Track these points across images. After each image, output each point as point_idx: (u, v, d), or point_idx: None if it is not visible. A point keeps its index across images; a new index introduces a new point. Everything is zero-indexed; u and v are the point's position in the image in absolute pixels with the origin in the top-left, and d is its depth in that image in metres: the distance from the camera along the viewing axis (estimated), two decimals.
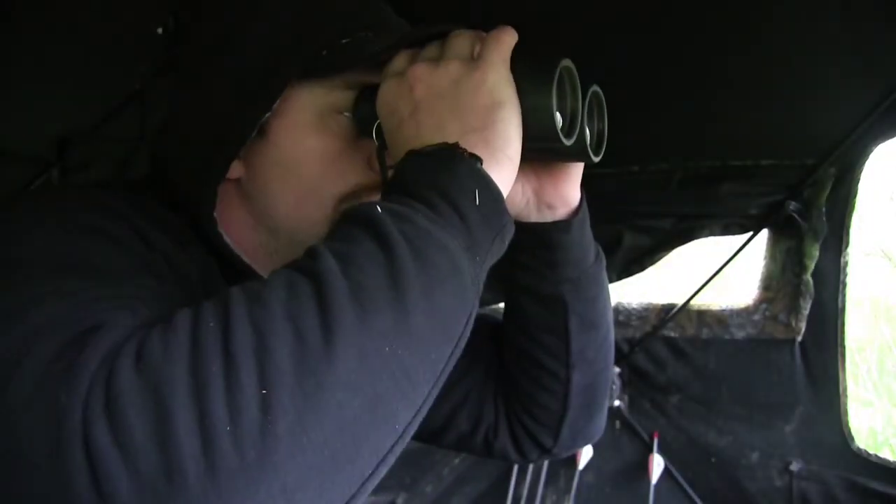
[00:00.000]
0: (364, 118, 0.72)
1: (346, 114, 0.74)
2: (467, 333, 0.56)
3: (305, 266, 0.51)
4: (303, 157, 0.74)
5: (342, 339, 0.46)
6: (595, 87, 0.76)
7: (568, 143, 0.67)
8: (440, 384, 0.54)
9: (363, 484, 0.49)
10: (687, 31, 1.39)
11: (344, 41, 0.71)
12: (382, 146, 0.70)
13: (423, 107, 0.63)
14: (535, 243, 0.83)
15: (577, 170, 0.82)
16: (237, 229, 0.77)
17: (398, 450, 0.51)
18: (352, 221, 0.55)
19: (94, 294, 0.53)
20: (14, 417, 0.45)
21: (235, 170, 0.75)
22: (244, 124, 0.71)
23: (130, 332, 0.48)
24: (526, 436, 0.93)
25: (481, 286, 0.58)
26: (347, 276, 0.49)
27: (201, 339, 0.46)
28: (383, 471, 0.50)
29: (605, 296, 0.89)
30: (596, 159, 0.76)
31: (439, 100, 0.63)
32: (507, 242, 0.62)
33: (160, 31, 1.40)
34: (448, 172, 0.58)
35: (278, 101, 0.71)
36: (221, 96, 0.73)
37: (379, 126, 0.70)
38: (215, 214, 0.74)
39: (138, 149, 1.65)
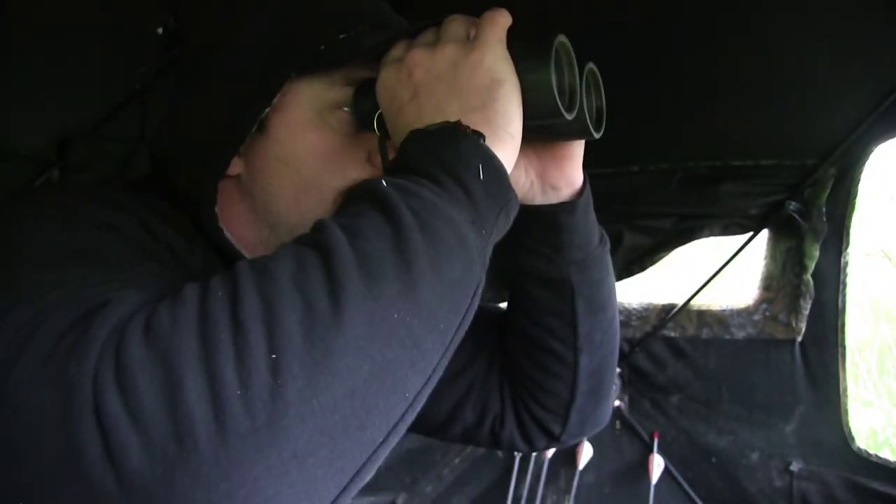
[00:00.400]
0: (364, 111, 0.73)
1: (346, 109, 0.74)
2: (475, 306, 0.56)
3: (312, 239, 0.51)
4: (302, 153, 0.74)
5: (350, 307, 0.47)
6: (591, 65, 0.77)
7: (569, 117, 0.68)
8: (449, 355, 0.54)
9: (375, 451, 0.49)
10: (688, 32, 1.40)
11: (342, 36, 0.72)
12: (384, 136, 0.70)
13: (423, 90, 0.64)
14: (541, 226, 0.84)
15: (578, 150, 0.82)
16: (238, 226, 0.78)
17: (409, 419, 0.51)
18: (358, 197, 0.55)
19: (99, 278, 0.53)
20: (25, 393, 0.45)
21: (235, 166, 0.76)
22: (244, 120, 0.72)
23: (138, 306, 0.48)
24: (533, 424, 0.93)
25: (487, 260, 0.58)
26: (354, 246, 0.50)
27: (209, 309, 0.46)
28: (394, 440, 0.50)
29: (611, 279, 0.90)
30: (597, 135, 0.76)
31: (438, 82, 0.64)
32: (511, 218, 0.63)
33: (160, 31, 1.40)
34: (451, 149, 0.58)
35: (278, 96, 0.71)
36: (221, 93, 0.73)
37: (380, 117, 0.70)
38: (216, 210, 0.75)
39: (138, 149, 1.65)
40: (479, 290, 0.57)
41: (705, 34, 1.40)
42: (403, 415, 0.50)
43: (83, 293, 0.51)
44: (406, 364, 0.49)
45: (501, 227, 0.61)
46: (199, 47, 0.79)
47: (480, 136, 0.60)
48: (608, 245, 0.89)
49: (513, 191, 0.62)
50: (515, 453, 2.29)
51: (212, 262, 0.76)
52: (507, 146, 0.62)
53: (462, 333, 0.56)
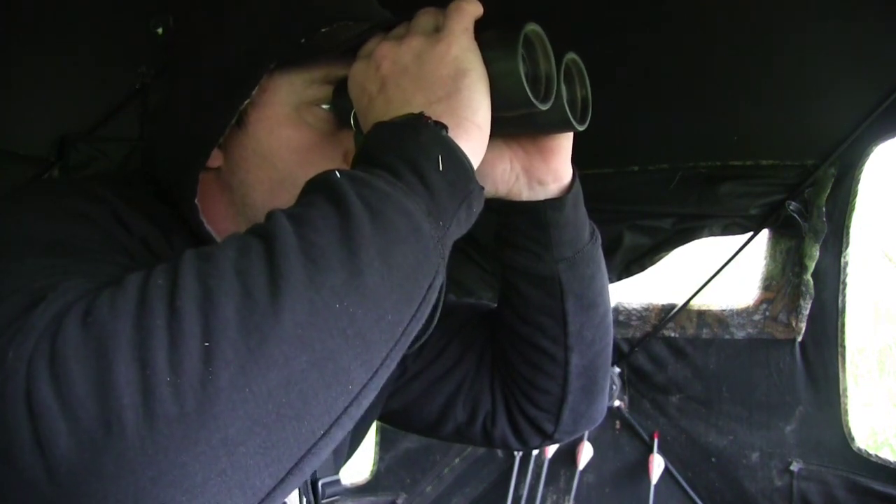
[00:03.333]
0: (342, 108, 0.73)
1: (325, 106, 0.75)
2: (432, 297, 0.55)
3: (259, 228, 0.51)
4: (278, 148, 0.75)
5: (289, 295, 0.46)
6: (572, 54, 0.75)
7: (543, 107, 0.67)
8: (401, 349, 0.53)
9: (315, 444, 0.48)
10: (688, 32, 1.40)
11: (324, 30, 0.73)
12: (359, 133, 0.70)
13: (390, 83, 0.64)
14: (528, 222, 0.83)
15: (566, 143, 0.81)
16: (219, 220, 0.79)
17: (355, 413, 0.50)
18: (311, 188, 0.56)
19: (60, 268, 0.54)
20: None
21: (216, 159, 0.77)
22: (223, 112, 0.72)
23: (83, 293, 0.48)
24: (526, 422, 0.93)
25: (447, 251, 0.57)
26: (299, 234, 0.49)
27: (148, 295, 0.46)
28: (338, 434, 0.49)
29: (602, 275, 0.88)
30: (581, 128, 0.75)
31: (404, 74, 0.64)
32: (475, 209, 0.61)
33: (160, 31, 1.40)
34: (411, 140, 0.58)
35: (256, 89, 0.72)
36: (203, 86, 0.74)
37: (356, 114, 0.70)
38: (196, 202, 0.76)
39: (138, 149, 1.65)
40: (437, 281, 0.56)
41: (706, 34, 1.40)
42: (347, 408, 0.49)
43: (37, 283, 0.51)
44: (349, 355, 0.48)
45: (463, 219, 0.60)
46: (185, 43, 0.80)
47: (443, 126, 0.60)
48: (599, 241, 0.88)
49: (477, 183, 0.61)
50: (515, 453, 2.29)
51: None
52: (472, 137, 0.62)
53: (416, 326, 0.54)
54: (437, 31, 0.66)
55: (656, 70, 1.49)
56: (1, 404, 0.43)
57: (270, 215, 0.52)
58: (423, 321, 0.55)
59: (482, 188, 0.62)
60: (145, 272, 0.49)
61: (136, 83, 1.55)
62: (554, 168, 0.81)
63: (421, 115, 0.60)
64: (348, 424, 0.50)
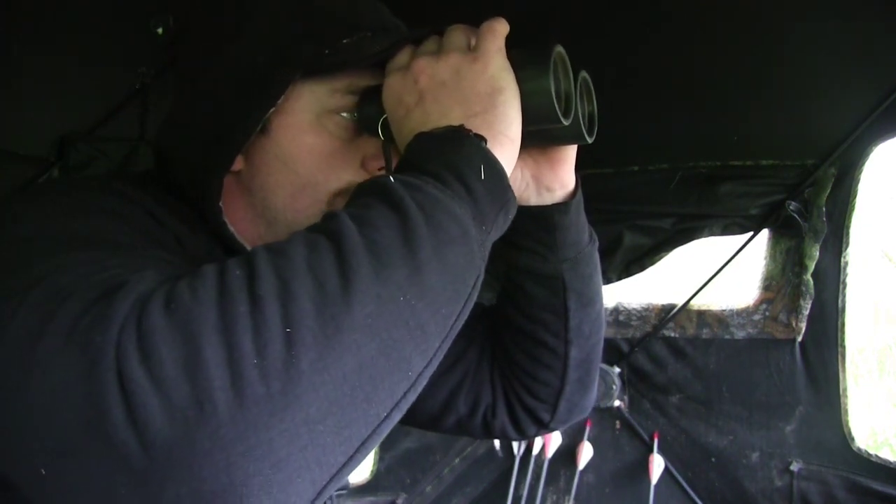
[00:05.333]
0: (368, 116, 0.76)
1: (345, 114, 0.78)
2: (475, 295, 0.60)
3: (323, 227, 0.55)
4: (299, 154, 0.77)
5: (359, 288, 0.50)
6: (584, 73, 0.80)
7: (566, 122, 0.72)
8: (449, 340, 0.57)
9: (379, 425, 0.52)
10: (688, 33, 1.40)
11: (346, 41, 0.75)
12: (389, 140, 0.73)
13: (428, 96, 0.68)
14: (536, 226, 0.89)
15: (572, 154, 0.87)
16: (238, 220, 0.81)
17: (411, 397, 0.54)
18: (366, 191, 0.59)
19: (114, 262, 0.57)
20: (50, 364, 0.48)
21: (237, 163, 0.79)
22: (248, 120, 0.74)
23: (158, 283, 0.52)
24: (524, 413, 0.98)
25: (487, 254, 0.62)
26: (363, 234, 0.53)
27: (228, 285, 0.50)
28: (397, 417, 0.54)
29: (598, 274, 0.96)
30: (590, 140, 0.80)
31: (443, 88, 0.68)
32: (510, 216, 0.66)
33: (160, 31, 1.40)
34: (454, 150, 0.62)
35: (281, 98, 0.74)
36: (226, 92, 0.76)
37: (384, 122, 0.73)
38: (220, 205, 0.78)
39: (138, 149, 1.65)
40: (479, 281, 0.60)
41: (706, 35, 1.40)
42: (406, 393, 0.54)
43: (101, 274, 0.54)
44: (410, 344, 0.53)
45: (501, 225, 0.64)
46: (202, 47, 0.81)
47: (482, 139, 0.64)
48: (597, 243, 0.95)
49: (512, 192, 0.65)
50: (516, 454, 2.29)
51: (215, 252, 0.79)
52: (506, 149, 0.66)
53: (462, 321, 0.59)
54: (470, 48, 0.70)
55: (656, 70, 1.49)
56: (92, 384, 0.46)
57: (333, 216, 0.56)
58: (467, 315, 0.59)
59: (516, 196, 0.67)
60: (218, 264, 0.52)
61: (136, 83, 1.55)
62: (561, 176, 0.87)
63: (462, 127, 0.64)
64: (405, 408, 0.55)
